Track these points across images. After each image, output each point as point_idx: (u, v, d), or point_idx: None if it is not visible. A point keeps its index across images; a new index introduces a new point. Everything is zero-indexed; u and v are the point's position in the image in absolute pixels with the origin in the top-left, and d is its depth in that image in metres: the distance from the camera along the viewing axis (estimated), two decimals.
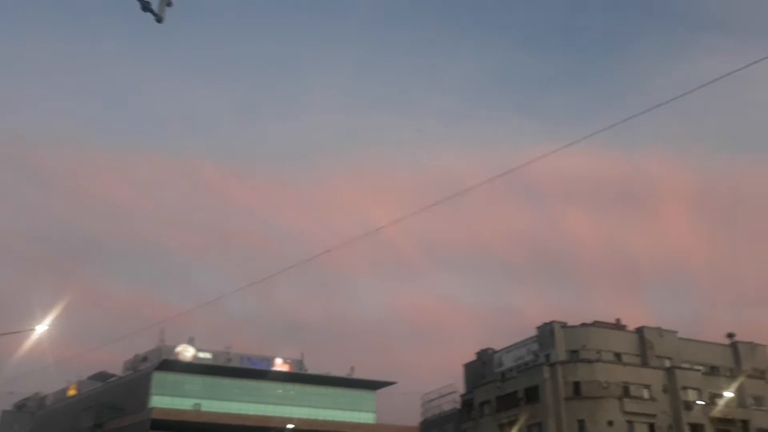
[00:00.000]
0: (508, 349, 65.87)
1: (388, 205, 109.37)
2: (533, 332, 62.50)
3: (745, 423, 58.48)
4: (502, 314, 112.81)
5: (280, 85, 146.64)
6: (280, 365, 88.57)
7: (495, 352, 67.46)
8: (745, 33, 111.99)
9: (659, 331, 61.98)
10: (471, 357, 70.39)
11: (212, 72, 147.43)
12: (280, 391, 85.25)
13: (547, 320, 61.26)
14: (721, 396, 58.61)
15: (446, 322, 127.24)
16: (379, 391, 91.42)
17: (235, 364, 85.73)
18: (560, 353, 58.94)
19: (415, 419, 73.87)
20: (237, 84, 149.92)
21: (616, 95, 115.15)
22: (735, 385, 59.57)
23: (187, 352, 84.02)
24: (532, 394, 57.83)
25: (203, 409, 78.53)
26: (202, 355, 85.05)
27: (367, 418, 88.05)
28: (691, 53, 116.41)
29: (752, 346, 64.03)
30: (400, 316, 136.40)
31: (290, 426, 74.56)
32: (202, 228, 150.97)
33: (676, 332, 62.61)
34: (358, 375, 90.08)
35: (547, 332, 60.65)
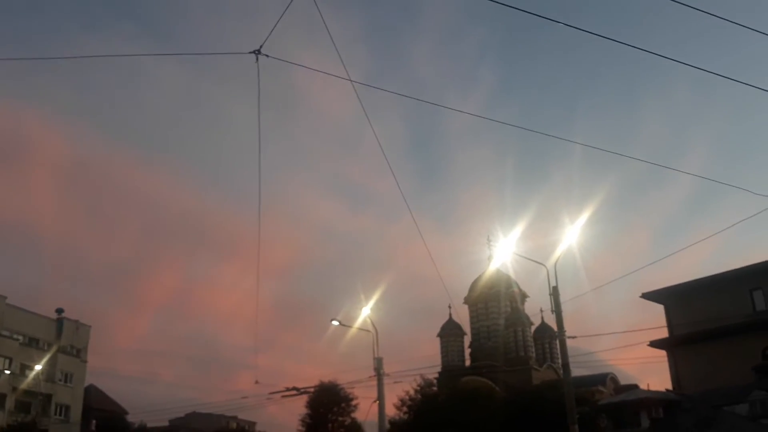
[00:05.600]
0: None
1: None
2: None
3: (48, 397, 58.56)
4: None
5: None
6: None
7: None
8: None
9: None
10: None
11: None
12: None
13: None
14: (32, 368, 57.67)
15: None
16: None
17: None
18: None
19: None
20: None
21: None
22: (46, 358, 59.55)
23: None
24: None
25: None
26: None
27: None
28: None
29: (77, 325, 65.04)
30: None
31: None
32: None
33: (5, 297, 59.28)
34: None
35: None
